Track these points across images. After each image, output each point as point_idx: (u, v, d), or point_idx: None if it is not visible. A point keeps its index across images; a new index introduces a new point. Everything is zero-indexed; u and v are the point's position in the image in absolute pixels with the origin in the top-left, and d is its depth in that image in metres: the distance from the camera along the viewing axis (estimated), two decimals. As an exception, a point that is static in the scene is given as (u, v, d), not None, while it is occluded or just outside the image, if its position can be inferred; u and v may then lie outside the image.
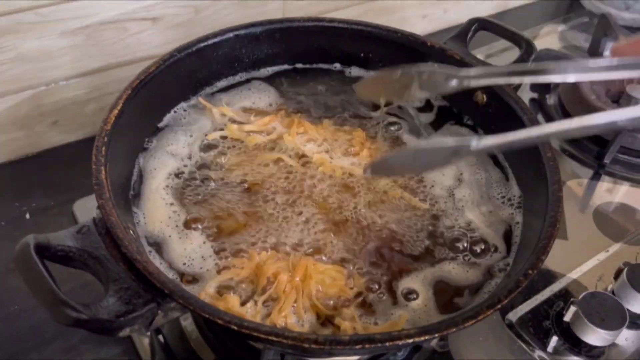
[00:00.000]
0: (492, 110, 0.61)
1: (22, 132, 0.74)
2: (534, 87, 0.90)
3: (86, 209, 0.70)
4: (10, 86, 0.69)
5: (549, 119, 0.87)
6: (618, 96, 0.86)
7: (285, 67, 0.69)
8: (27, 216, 0.70)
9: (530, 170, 0.55)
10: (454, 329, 0.42)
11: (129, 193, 0.56)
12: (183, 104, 0.64)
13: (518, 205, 0.57)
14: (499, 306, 0.43)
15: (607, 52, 0.95)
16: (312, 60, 0.69)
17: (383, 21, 0.92)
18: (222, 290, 0.49)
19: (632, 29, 1.04)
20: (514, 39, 0.65)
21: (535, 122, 0.57)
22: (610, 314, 0.59)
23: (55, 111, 0.75)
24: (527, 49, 0.63)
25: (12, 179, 0.74)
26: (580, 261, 0.69)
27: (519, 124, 0.58)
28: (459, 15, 1.03)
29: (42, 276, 0.40)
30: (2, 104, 0.70)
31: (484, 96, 0.62)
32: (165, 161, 0.59)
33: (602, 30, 0.94)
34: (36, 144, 0.76)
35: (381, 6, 0.92)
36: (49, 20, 0.67)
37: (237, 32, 0.64)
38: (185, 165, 0.59)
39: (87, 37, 0.70)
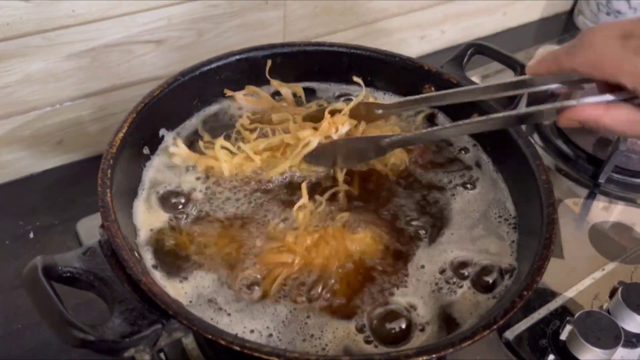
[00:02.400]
0: (490, 133, 0.63)
1: (27, 151, 0.75)
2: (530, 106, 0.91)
3: (90, 227, 0.71)
4: (16, 107, 0.71)
5: (545, 138, 0.89)
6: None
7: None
8: (31, 235, 0.71)
9: (525, 192, 0.56)
10: (451, 349, 0.43)
11: (131, 210, 0.57)
12: (187, 122, 0.65)
13: (514, 225, 0.58)
14: (495, 327, 0.44)
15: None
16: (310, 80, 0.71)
17: (381, 43, 0.94)
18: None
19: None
20: (509, 62, 0.66)
21: (529, 145, 0.58)
22: (605, 332, 0.60)
23: (59, 131, 0.76)
24: (521, 72, 0.65)
25: (17, 198, 0.75)
26: (576, 280, 0.70)
27: (514, 146, 0.59)
28: (456, 36, 1.04)
29: (50, 298, 0.41)
30: (9, 124, 0.71)
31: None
32: (169, 178, 0.60)
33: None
34: (41, 164, 0.78)
35: (379, 28, 0.94)
36: (55, 43, 0.68)
37: (239, 56, 0.65)
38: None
39: (92, 59, 0.72)
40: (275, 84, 0.67)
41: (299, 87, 0.68)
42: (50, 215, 0.74)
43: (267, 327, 0.49)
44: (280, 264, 0.53)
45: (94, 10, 0.68)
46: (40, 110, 0.73)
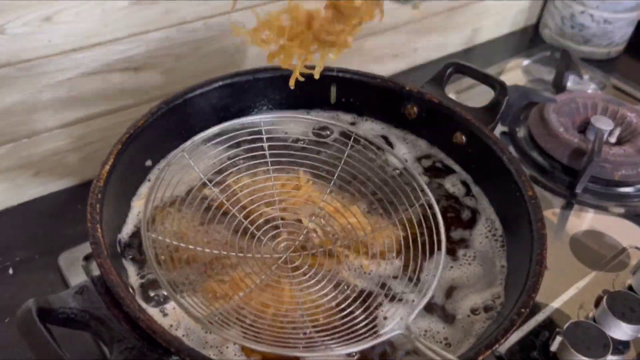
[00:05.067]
0: (472, 150, 0.64)
1: (4, 184, 0.73)
2: (505, 121, 0.93)
3: (72, 260, 0.69)
4: (-8, 140, 0.69)
5: (520, 150, 0.91)
6: (584, 127, 0.90)
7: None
8: (10, 271, 0.69)
9: (513, 208, 0.58)
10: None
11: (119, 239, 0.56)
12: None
13: (502, 243, 0.59)
14: (497, 346, 0.45)
15: (570, 84, 1.00)
16: (295, 107, 0.71)
17: (357, 61, 0.95)
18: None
19: (591, 62, 1.10)
20: (488, 81, 0.68)
21: (514, 162, 0.60)
22: (594, 342, 0.62)
23: (36, 162, 0.74)
24: (500, 91, 0.66)
25: (-7, 233, 0.73)
26: (561, 290, 0.71)
27: (498, 163, 0.61)
28: (428, 53, 1.06)
29: (48, 343, 0.40)
30: (-17, 158, 0.70)
31: (463, 137, 0.65)
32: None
33: (565, 64, 0.99)
34: (17, 196, 0.75)
35: (354, 48, 0.94)
36: (31, 74, 0.67)
37: (222, 82, 0.65)
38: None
39: (69, 89, 0.70)
40: None
41: None
42: (30, 249, 0.71)
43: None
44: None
45: (70, 40, 0.67)
46: (16, 142, 0.71)
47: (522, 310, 0.46)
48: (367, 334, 0.47)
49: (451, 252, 0.59)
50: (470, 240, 0.60)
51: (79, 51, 0.68)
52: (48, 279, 0.69)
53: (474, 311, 0.53)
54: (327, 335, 0.47)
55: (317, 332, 0.48)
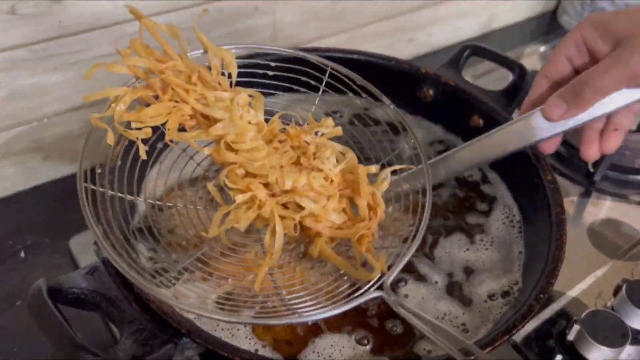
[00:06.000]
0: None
1: (14, 168, 0.73)
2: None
3: (83, 244, 0.69)
4: (3, 123, 0.68)
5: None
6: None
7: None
8: (22, 254, 0.69)
9: (531, 194, 0.56)
10: (472, 357, 0.42)
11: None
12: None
13: (519, 229, 0.58)
14: (515, 332, 0.43)
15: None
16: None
17: (371, 47, 0.94)
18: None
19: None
20: (507, 63, 0.66)
21: (538, 152, 0.58)
22: (613, 331, 0.60)
23: (47, 146, 0.74)
24: (520, 73, 0.65)
25: (5, 217, 0.72)
26: (579, 279, 0.70)
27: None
28: (443, 37, 1.05)
29: (59, 322, 0.40)
30: (-5, 141, 0.69)
31: (480, 120, 0.63)
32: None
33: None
34: (28, 180, 0.75)
35: (368, 32, 0.93)
36: (40, 57, 0.66)
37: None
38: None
39: (79, 72, 0.70)
40: (204, 40, 0.53)
41: (229, 55, 0.52)
42: (41, 233, 0.71)
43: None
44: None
45: (80, 22, 0.66)
46: (27, 125, 0.70)
47: (541, 295, 0.45)
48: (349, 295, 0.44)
49: (468, 234, 0.58)
50: (487, 226, 0.59)
51: (89, 32, 0.68)
52: (59, 262, 0.68)
53: (491, 297, 0.52)
54: (300, 300, 0.45)
55: (290, 297, 0.45)
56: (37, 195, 0.75)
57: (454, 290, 0.53)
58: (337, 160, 0.49)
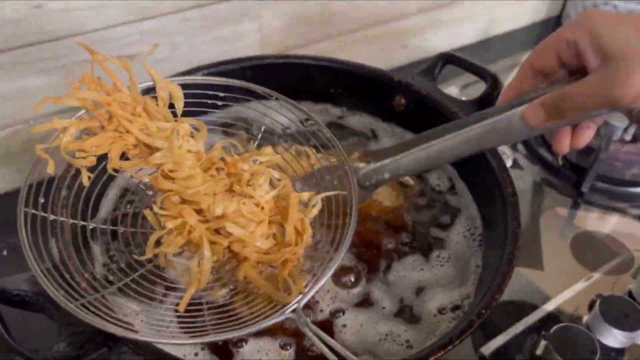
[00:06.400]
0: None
1: (1, 169, 0.75)
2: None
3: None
4: (-11, 125, 0.71)
5: (528, 147, 0.87)
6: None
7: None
8: (5, 252, 0.71)
9: (492, 205, 0.55)
10: (405, 372, 0.42)
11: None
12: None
13: (480, 242, 0.57)
14: (451, 347, 0.43)
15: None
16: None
17: (362, 52, 0.93)
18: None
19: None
20: (480, 73, 0.65)
21: (496, 156, 0.57)
22: (581, 347, 0.59)
23: (32, 148, 0.75)
24: (492, 83, 0.64)
25: (-8, 216, 0.75)
26: (556, 292, 0.69)
27: (482, 157, 0.58)
28: (439, 43, 1.03)
29: (-8, 322, 0.41)
30: (-19, 142, 0.71)
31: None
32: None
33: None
34: (15, 181, 0.77)
35: (359, 38, 0.93)
36: (23, 61, 0.68)
37: (207, 70, 0.65)
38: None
39: (62, 75, 0.71)
40: (153, 74, 0.54)
41: (176, 88, 0.54)
42: (24, 232, 0.73)
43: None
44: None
45: (63, 27, 0.68)
46: (12, 127, 0.72)
47: (483, 311, 0.44)
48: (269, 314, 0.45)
49: (425, 253, 0.57)
50: (447, 241, 0.59)
51: (72, 37, 0.69)
52: (40, 261, 0.70)
53: (440, 310, 0.52)
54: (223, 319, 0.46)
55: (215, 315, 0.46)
56: (24, 195, 0.77)
57: (404, 312, 0.53)
58: (273, 187, 0.50)
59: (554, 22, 1.16)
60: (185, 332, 0.44)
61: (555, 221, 0.78)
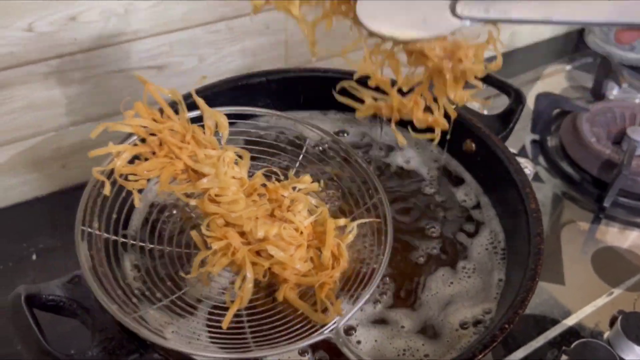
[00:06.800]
0: (481, 159, 0.62)
1: (33, 175, 0.77)
2: (535, 129, 0.90)
3: (91, 250, 0.72)
4: (21, 132, 0.73)
5: (549, 160, 0.88)
6: (620, 138, 0.86)
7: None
8: (34, 257, 0.73)
9: (515, 221, 0.56)
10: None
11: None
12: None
13: (502, 256, 0.57)
14: (474, 362, 0.43)
15: (615, 93, 0.95)
16: (310, 108, 0.71)
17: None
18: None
19: (636, 69, 1.04)
20: (503, 88, 0.66)
21: (520, 172, 0.58)
22: (602, 364, 0.59)
23: (63, 155, 0.78)
24: (516, 97, 0.64)
25: (22, 220, 0.77)
26: (577, 307, 0.69)
27: (505, 173, 0.59)
28: (462, 56, 1.04)
29: (29, 326, 0.42)
30: (13, 149, 0.73)
31: (473, 145, 0.63)
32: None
33: (604, 71, 0.94)
34: (45, 186, 0.79)
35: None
36: (57, 70, 0.70)
37: (234, 84, 0.66)
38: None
39: (94, 85, 0.73)
40: (201, 104, 0.56)
41: (222, 117, 0.56)
42: (53, 237, 0.75)
43: None
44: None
45: (95, 38, 0.70)
46: (44, 135, 0.74)
47: (506, 326, 0.45)
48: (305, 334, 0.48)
49: (452, 263, 0.58)
50: (470, 250, 0.59)
51: (104, 48, 0.71)
52: (68, 265, 0.72)
53: (462, 325, 0.52)
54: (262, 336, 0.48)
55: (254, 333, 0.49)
56: (52, 202, 0.79)
57: (426, 330, 0.53)
58: (311, 213, 0.53)
59: (576, 35, 1.16)
60: (221, 347, 0.46)
61: (576, 235, 0.78)
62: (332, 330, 0.46)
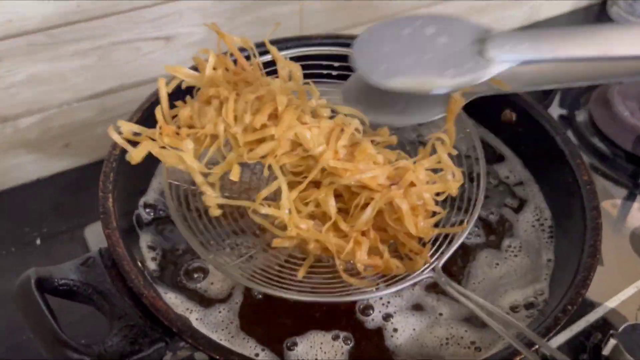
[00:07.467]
0: (522, 129, 0.58)
1: (34, 155, 0.72)
2: (563, 103, 0.86)
3: (97, 234, 0.67)
4: (21, 108, 0.68)
5: (579, 135, 0.83)
6: (654, 112, 0.82)
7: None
8: (38, 242, 0.68)
9: (564, 195, 0.51)
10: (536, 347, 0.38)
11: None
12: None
13: (550, 234, 0.53)
14: (537, 346, 0.39)
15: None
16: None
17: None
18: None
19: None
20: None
21: (568, 143, 0.53)
22: (653, 347, 0.55)
23: (66, 134, 0.73)
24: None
25: (23, 203, 0.72)
26: (618, 289, 0.65)
27: (551, 144, 0.54)
28: (483, 29, 0.99)
29: (42, 314, 0.38)
30: (14, 126, 0.68)
31: (513, 115, 0.59)
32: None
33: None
34: (47, 168, 0.74)
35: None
36: (60, 41, 0.65)
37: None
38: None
39: (99, 58, 0.68)
40: (275, 52, 0.54)
41: (296, 68, 0.53)
42: (58, 221, 0.70)
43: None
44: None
45: (99, 6, 0.65)
46: (47, 111, 0.69)
47: (569, 307, 0.41)
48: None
49: (495, 245, 0.54)
50: (516, 227, 0.55)
51: (108, 17, 0.66)
52: (73, 251, 0.67)
53: (513, 309, 0.48)
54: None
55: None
56: (55, 183, 0.75)
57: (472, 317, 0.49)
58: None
59: (597, 8, 1.11)
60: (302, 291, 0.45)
61: (610, 213, 0.74)
62: (432, 269, 0.44)
